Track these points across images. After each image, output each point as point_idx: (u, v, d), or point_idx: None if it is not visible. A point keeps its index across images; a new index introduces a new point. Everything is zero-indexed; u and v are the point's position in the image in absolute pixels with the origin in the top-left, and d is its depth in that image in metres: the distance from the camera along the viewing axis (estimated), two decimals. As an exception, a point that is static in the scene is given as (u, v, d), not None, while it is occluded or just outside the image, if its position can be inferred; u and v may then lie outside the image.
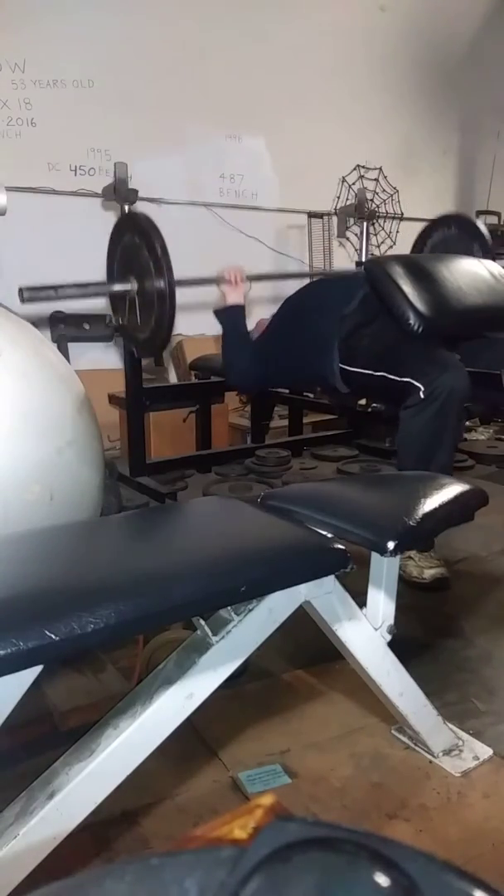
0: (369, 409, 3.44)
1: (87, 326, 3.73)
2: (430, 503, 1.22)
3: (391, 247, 4.15)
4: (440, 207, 4.09)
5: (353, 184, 4.11)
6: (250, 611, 1.04)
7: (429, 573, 1.98)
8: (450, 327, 2.15)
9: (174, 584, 0.92)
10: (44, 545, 1.13)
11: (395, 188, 4.19)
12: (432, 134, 5.03)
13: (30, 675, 0.84)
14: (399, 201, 4.20)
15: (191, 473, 3.14)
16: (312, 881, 0.26)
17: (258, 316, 2.71)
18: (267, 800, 0.35)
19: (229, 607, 1.03)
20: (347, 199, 4.06)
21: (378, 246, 4.16)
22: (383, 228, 4.20)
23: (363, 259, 3.71)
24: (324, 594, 1.12)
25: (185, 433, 3.35)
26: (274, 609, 1.06)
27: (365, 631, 1.20)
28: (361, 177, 4.17)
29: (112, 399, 3.14)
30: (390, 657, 1.23)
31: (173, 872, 0.27)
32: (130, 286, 2.39)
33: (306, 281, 2.94)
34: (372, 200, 4.05)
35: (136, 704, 0.99)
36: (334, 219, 4.17)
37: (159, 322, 2.31)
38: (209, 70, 3.97)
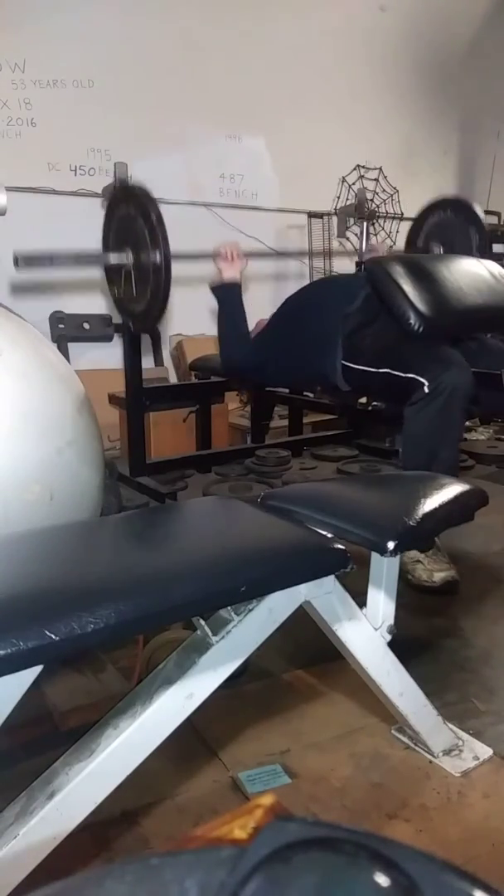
0: (369, 408, 3.44)
1: (87, 326, 3.73)
2: (430, 503, 1.22)
3: (391, 247, 4.14)
4: (440, 207, 4.08)
5: (353, 184, 4.11)
6: (250, 611, 1.04)
7: (438, 576, 1.95)
8: (450, 327, 2.15)
9: (174, 584, 0.92)
10: (44, 545, 1.13)
11: (395, 188, 4.19)
12: (432, 134, 5.03)
13: (30, 675, 0.84)
14: (399, 201, 4.19)
15: (191, 473, 3.14)
16: (312, 881, 0.26)
17: (258, 316, 2.71)
18: (267, 800, 0.35)
19: (229, 607, 1.02)
20: (347, 199, 4.06)
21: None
22: (383, 228, 4.20)
23: (363, 259, 3.71)
24: (324, 594, 1.12)
25: (185, 433, 3.35)
26: (274, 609, 1.06)
27: (365, 631, 1.20)
28: (361, 177, 4.17)
29: (112, 399, 3.14)
30: (390, 657, 1.23)
31: (173, 872, 0.27)
32: (126, 257, 2.38)
33: (305, 271, 2.94)
34: (372, 200, 4.05)
35: (136, 704, 0.99)
36: (334, 219, 4.17)
37: (155, 294, 2.29)
38: (209, 70, 3.97)
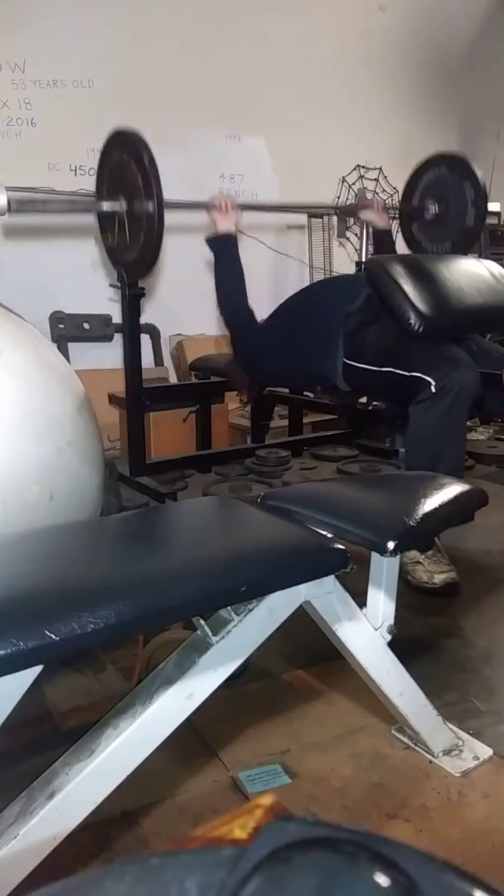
0: (370, 408, 3.44)
1: (87, 326, 3.73)
2: (430, 503, 1.22)
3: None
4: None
5: (353, 184, 4.11)
6: (250, 611, 1.04)
7: (439, 578, 1.94)
8: (450, 327, 2.15)
9: (174, 584, 0.92)
10: (44, 545, 1.13)
11: (395, 188, 4.18)
12: (432, 134, 5.01)
13: (30, 675, 0.84)
14: (399, 201, 4.19)
15: (191, 473, 3.14)
16: (312, 881, 0.26)
17: (258, 315, 2.71)
18: (267, 800, 0.35)
19: (229, 607, 1.03)
20: (347, 199, 4.06)
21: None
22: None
23: (363, 259, 3.71)
24: (324, 594, 1.12)
25: (185, 433, 3.35)
26: (274, 609, 1.06)
27: (365, 631, 1.20)
28: (361, 177, 4.17)
29: (112, 399, 3.14)
30: (390, 657, 1.23)
31: (173, 872, 0.27)
32: (119, 205, 2.36)
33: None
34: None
35: (136, 704, 0.99)
36: (334, 219, 4.17)
37: (147, 241, 2.27)
38: (209, 70, 3.96)
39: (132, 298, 2.61)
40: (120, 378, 2.85)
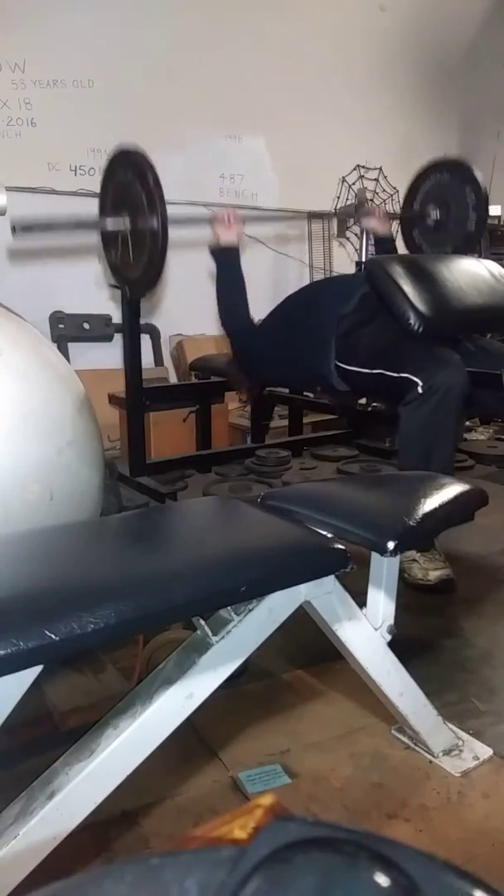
0: (369, 409, 3.44)
1: (87, 326, 3.73)
2: (430, 503, 1.22)
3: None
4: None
5: (353, 184, 4.11)
6: (250, 611, 1.04)
7: (434, 575, 1.96)
8: (450, 327, 2.14)
9: (174, 584, 0.92)
10: (44, 545, 1.13)
11: (395, 188, 4.19)
12: (432, 134, 5.02)
13: (30, 675, 0.84)
14: (399, 201, 4.19)
15: (191, 473, 3.14)
16: (312, 881, 0.26)
17: (258, 317, 2.71)
18: (267, 800, 0.35)
19: (229, 607, 1.02)
20: (347, 200, 4.06)
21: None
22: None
23: (363, 259, 3.71)
24: (324, 594, 1.12)
25: (185, 433, 3.35)
26: (274, 609, 1.06)
27: (365, 631, 1.20)
28: (361, 177, 4.17)
29: (112, 399, 3.14)
30: (390, 657, 1.23)
31: (173, 872, 0.27)
32: (123, 223, 2.36)
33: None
34: (372, 200, 4.05)
35: (136, 704, 0.99)
36: (334, 219, 4.17)
37: (151, 258, 2.27)
38: (209, 70, 3.97)
39: (132, 299, 2.61)
40: (120, 378, 2.85)
